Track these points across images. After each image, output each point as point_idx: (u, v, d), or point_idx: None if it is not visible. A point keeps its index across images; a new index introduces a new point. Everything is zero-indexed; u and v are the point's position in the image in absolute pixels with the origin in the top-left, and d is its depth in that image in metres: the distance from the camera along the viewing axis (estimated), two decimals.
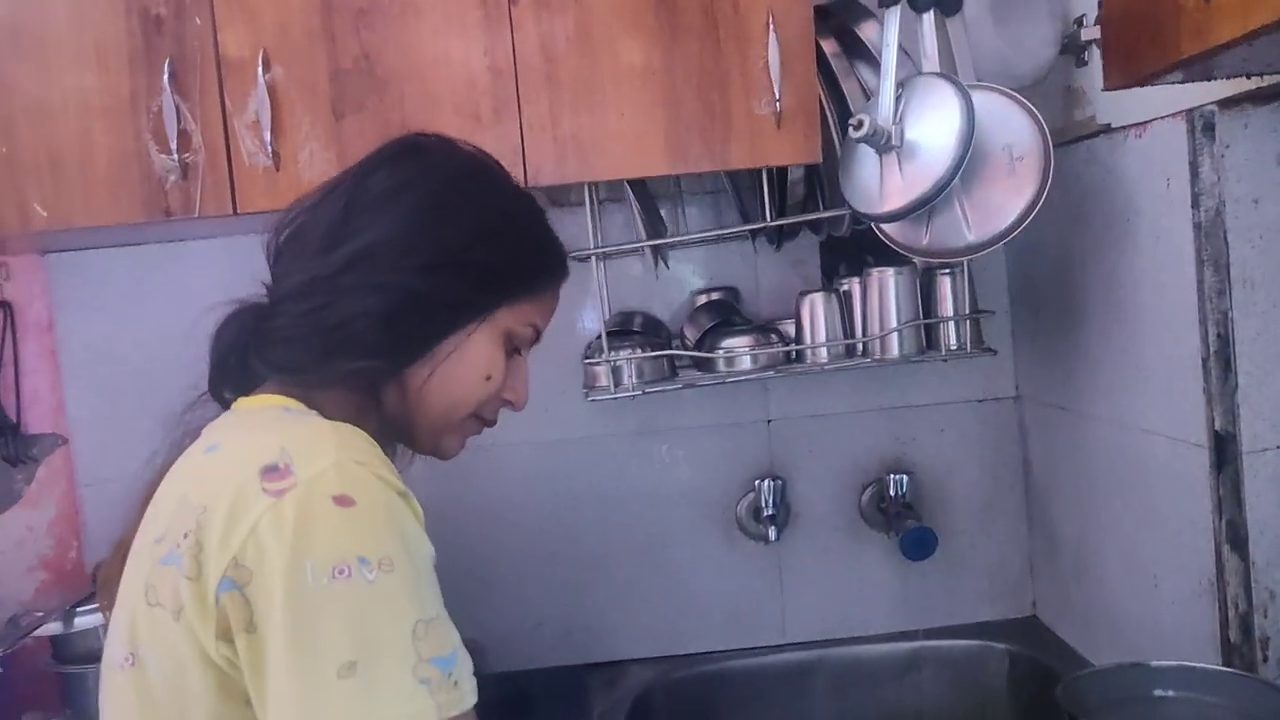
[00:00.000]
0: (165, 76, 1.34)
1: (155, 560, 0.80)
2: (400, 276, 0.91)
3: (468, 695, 0.78)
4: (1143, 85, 0.99)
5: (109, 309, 1.70)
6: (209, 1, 1.35)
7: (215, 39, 1.35)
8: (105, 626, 0.94)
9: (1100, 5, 1.35)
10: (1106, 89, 1.01)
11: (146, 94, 1.35)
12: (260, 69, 1.34)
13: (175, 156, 1.34)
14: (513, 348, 1.00)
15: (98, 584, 0.98)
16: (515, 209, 1.01)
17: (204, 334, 1.66)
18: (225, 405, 0.96)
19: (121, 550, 0.92)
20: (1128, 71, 0.97)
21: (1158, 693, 1.03)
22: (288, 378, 0.92)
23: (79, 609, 1.50)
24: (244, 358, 0.94)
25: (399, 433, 0.97)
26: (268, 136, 1.34)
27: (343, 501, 0.76)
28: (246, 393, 0.95)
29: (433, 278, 0.93)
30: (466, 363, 0.96)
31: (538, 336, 1.02)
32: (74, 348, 1.71)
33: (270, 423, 0.87)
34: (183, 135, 1.35)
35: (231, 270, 1.67)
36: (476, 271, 0.95)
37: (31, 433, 1.70)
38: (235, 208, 1.37)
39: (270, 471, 0.78)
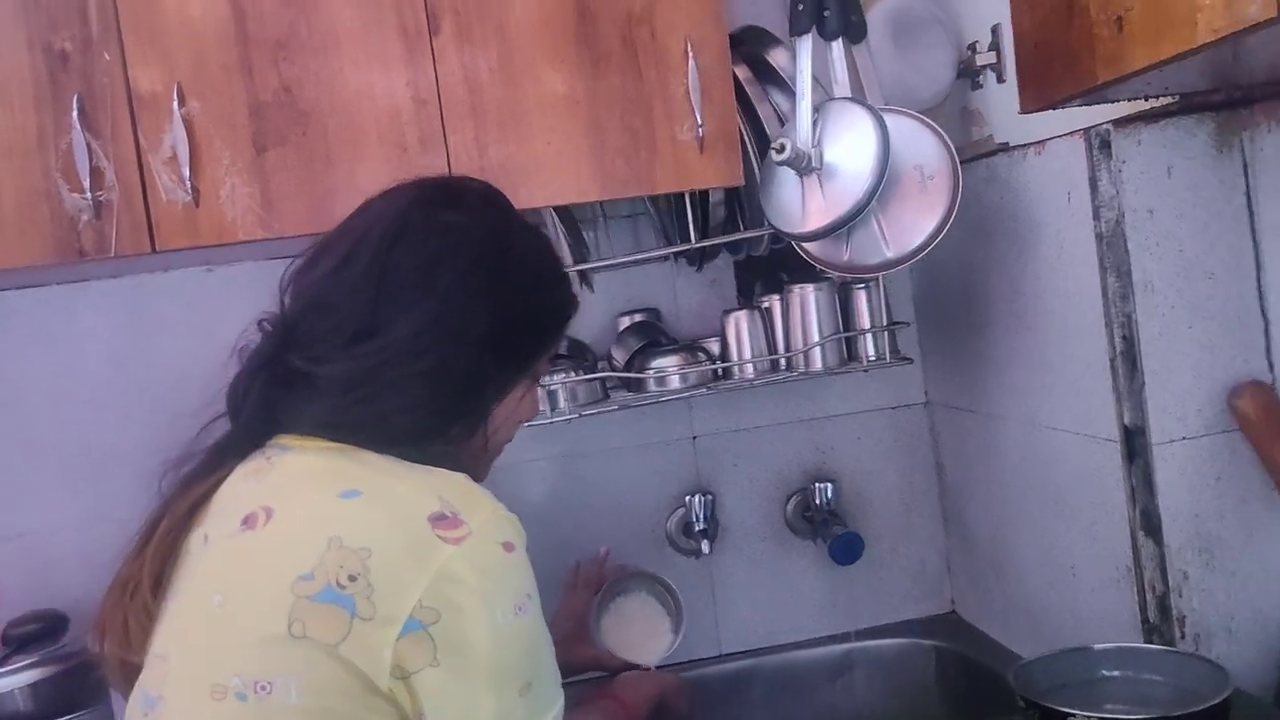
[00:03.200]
0: (74, 113, 1.30)
1: (302, 596, 0.84)
2: (448, 364, 0.95)
3: None
4: (1057, 108, 1.06)
5: (8, 353, 1.63)
6: (118, 37, 1.31)
7: (126, 74, 1.32)
8: (115, 665, 0.97)
9: (994, 33, 1.45)
10: (1023, 112, 1.08)
11: (55, 131, 1.30)
12: (176, 103, 1.31)
13: (88, 195, 1.30)
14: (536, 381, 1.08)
15: (102, 620, 0.97)
16: (538, 260, 1.05)
17: (107, 378, 1.62)
18: (242, 457, 0.98)
19: (127, 587, 0.96)
20: (1043, 96, 1.04)
21: (1103, 673, 1.10)
22: None
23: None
24: (273, 417, 0.98)
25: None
26: (186, 172, 1.31)
27: (508, 547, 0.89)
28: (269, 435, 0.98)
29: (480, 358, 0.97)
30: (517, 414, 1.05)
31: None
32: None
33: (401, 470, 0.92)
34: (95, 173, 1.30)
35: (134, 311, 1.64)
36: (521, 340, 1.01)
37: None
38: (154, 245, 1.33)
39: (440, 520, 0.87)
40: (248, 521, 0.92)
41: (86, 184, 1.30)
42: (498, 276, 1.00)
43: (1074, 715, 0.96)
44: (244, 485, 0.96)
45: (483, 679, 0.86)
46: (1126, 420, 1.27)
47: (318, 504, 0.91)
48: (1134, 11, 0.88)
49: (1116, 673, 1.10)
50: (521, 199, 1.38)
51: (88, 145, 1.30)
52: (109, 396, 1.65)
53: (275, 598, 0.86)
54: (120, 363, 1.65)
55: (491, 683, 0.86)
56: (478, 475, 1.03)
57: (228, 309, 1.65)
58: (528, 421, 1.11)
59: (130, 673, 0.97)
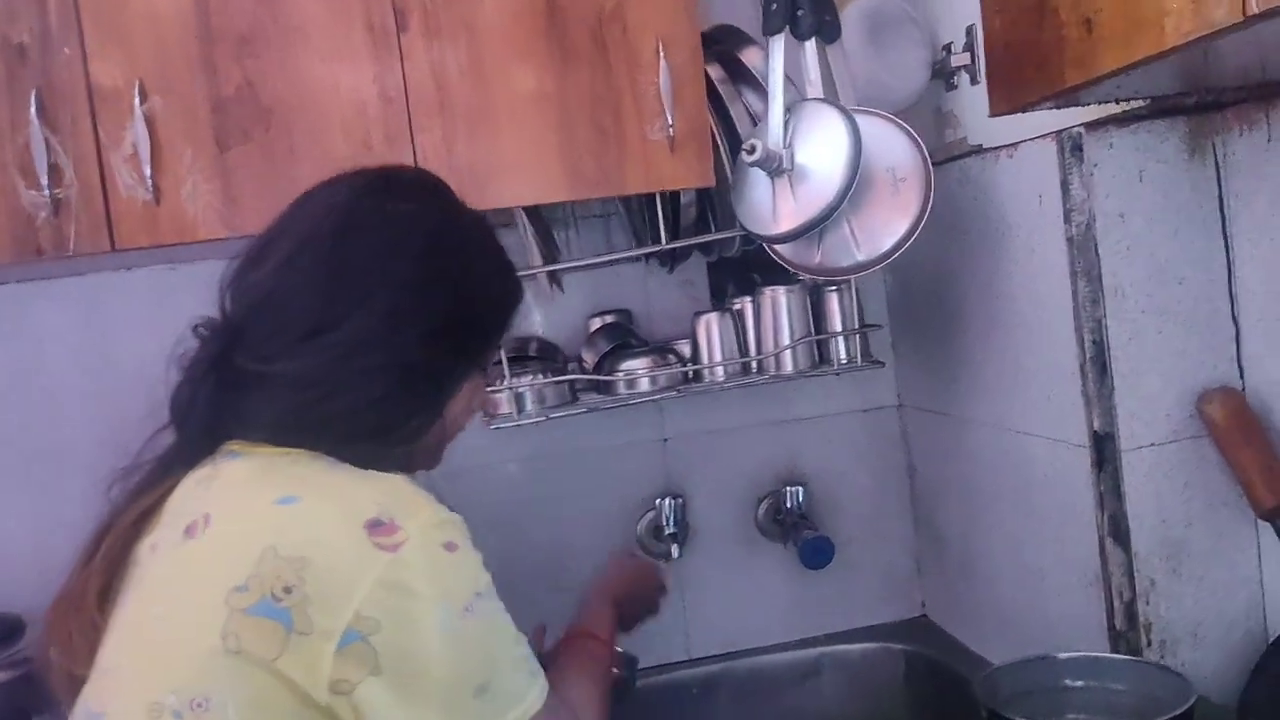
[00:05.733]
0: (32, 108, 1.27)
1: (237, 609, 0.81)
2: (405, 356, 0.93)
3: None
4: (1025, 111, 1.05)
5: None
6: (78, 30, 1.28)
7: (86, 69, 1.29)
8: (63, 677, 0.93)
9: (969, 34, 1.45)
10: (993, 115, 1.07)
11: (11, 127, 1.28)
12: (137, 99, 1.29)
13: (46, 192, 1.27)
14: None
15: (49, 632, 0.94)
16: (487, 247, 1.03)
17: (63, 378, 1.58)
18: (192, 465, 0.94)
19: (72, 600, 0.92)
20: (1013, 98, 1.03)
21: (1066, 683, 1.10)
22: None
23: None
24: (222, 424, 0.94)
25: (402, 468, 0.97)
26: (147, 170, 1.29)
27: (450, 547, 0.86)
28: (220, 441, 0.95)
29: (433, 350, 0.95)
30: (468, 406, 1.02)
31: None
32: None
33: (340, 474, 0.90)
34: (54, 169, 1.28)
35: (94, 309, 1.61)
36: (472, 330, 0.99)
37: None
38: (113, 244, 1.30)
39: (376, 526, 0.83)
40: (189, 530, 0.89)
41: (44, 181, 1.27)
42: (451, 265, 0.97)
43: None
44: (192, 492, 0.93)
45: (429, 686, 0.83)
46: (1096, 426, 1.27)
47: (253, 510, 0.88)
48: (1103, 14, 0.87)
49: (1080, 682, 1.09)
50: (490, 198, 1.37)
51: (46, 141, 1.27)
52: (65, 397, 1.62)
53: (210, 610, 0.83)
54: (77, 363, 1.62)
55: (439, 689, 0.83)
56: (432, 464, 1.04)
57: (192, 307, 1.64)
58: (479, 412, 1.09)
59: (77, 685, 0.93)
